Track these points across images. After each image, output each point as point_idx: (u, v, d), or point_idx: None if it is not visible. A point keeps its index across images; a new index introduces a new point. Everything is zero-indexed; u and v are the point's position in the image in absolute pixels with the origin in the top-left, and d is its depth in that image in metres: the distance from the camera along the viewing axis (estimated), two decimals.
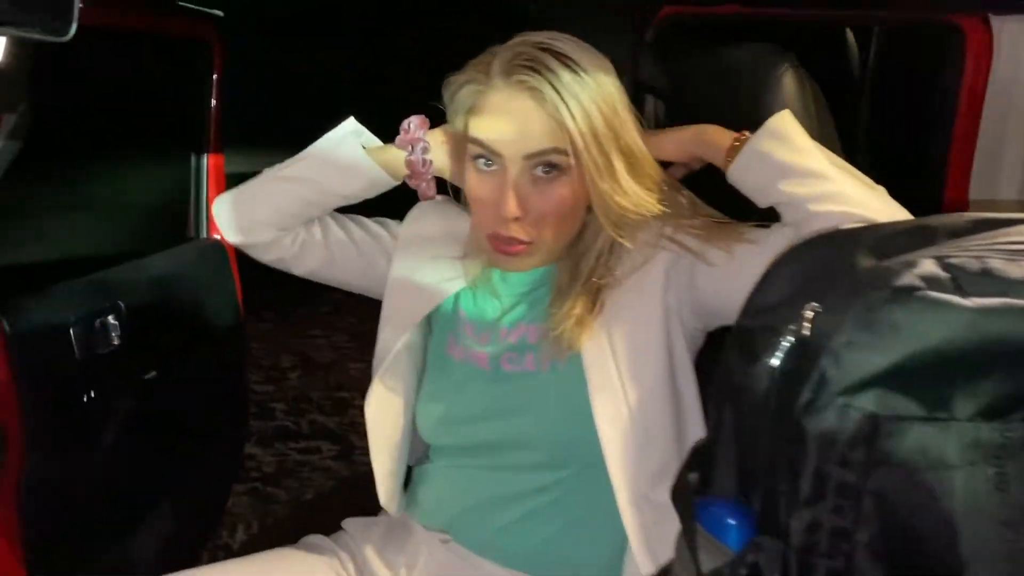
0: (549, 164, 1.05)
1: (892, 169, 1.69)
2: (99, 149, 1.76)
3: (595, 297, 1.12)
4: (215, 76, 2.00)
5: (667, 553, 0.74)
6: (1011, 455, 0.58)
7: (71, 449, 1.55)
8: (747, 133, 1.07)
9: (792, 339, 0.61)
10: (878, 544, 0.59)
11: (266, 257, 1.28)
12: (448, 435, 1.22)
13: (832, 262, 0.65)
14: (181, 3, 1.89)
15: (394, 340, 1.20)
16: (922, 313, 0.57)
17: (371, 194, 1.23)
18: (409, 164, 1.19)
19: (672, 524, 0.71)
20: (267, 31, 4.65)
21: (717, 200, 1.12)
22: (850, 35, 1.80)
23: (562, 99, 1.01)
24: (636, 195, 1.05)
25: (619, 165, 1.04)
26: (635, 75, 1.33)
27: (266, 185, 1.24)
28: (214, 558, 2.28)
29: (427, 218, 1.29)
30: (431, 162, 1.18)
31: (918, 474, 0.58)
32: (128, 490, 1.74)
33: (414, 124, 1.18)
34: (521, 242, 1.09)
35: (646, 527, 1.07)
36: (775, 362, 0.61)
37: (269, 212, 1.22)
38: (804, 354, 0.60)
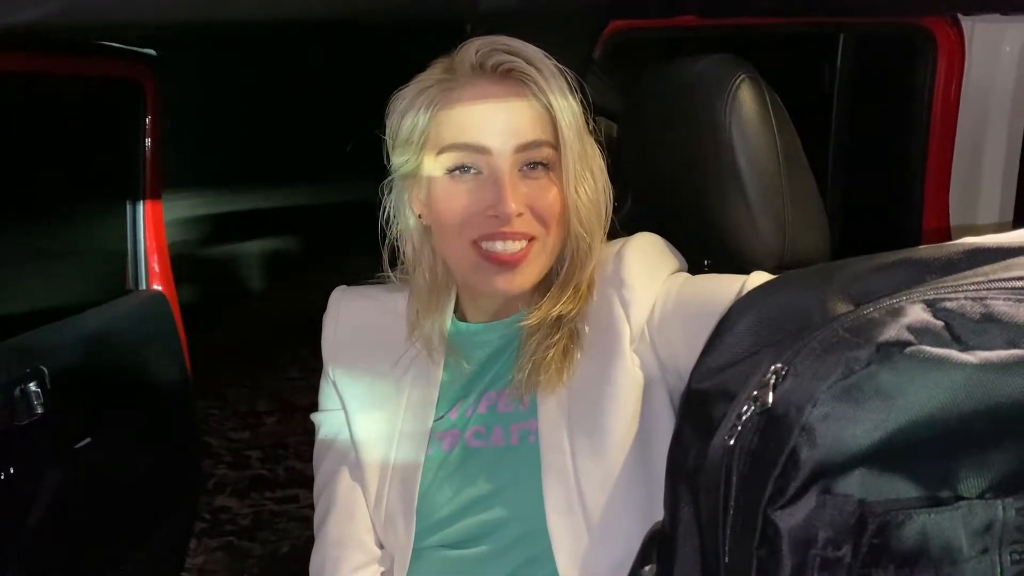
0: (536, 161, 0.93)
1: (866, 188, 1.62)
2: (21, 201, 1.65)
3: (566, 347, 0.95)
4: (149, 118, 1.89)
5: None
6: None
7: None
8: None
9: (752, 408, 0.49)
10: None
11: None
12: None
13: (798, 309, 0.52)
14: (109, 44, 1.79)
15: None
16: (913, 374, 0.45)
17: None
18: None
19: None
20: (207, 69, 4.63)
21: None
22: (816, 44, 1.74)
23: (550, 87, 0.91)
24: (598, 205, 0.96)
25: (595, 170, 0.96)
26: (584, 96, 1.22)
27: None
28: None
29: (346, 326, 1.13)
30: None
31: (921, 573, 0.47)
32: None
33: None
34: (524, 236, 0.93)
35: None
36: (732, 441, 0.48)
37: None
38: (769, 429, 0.48)
